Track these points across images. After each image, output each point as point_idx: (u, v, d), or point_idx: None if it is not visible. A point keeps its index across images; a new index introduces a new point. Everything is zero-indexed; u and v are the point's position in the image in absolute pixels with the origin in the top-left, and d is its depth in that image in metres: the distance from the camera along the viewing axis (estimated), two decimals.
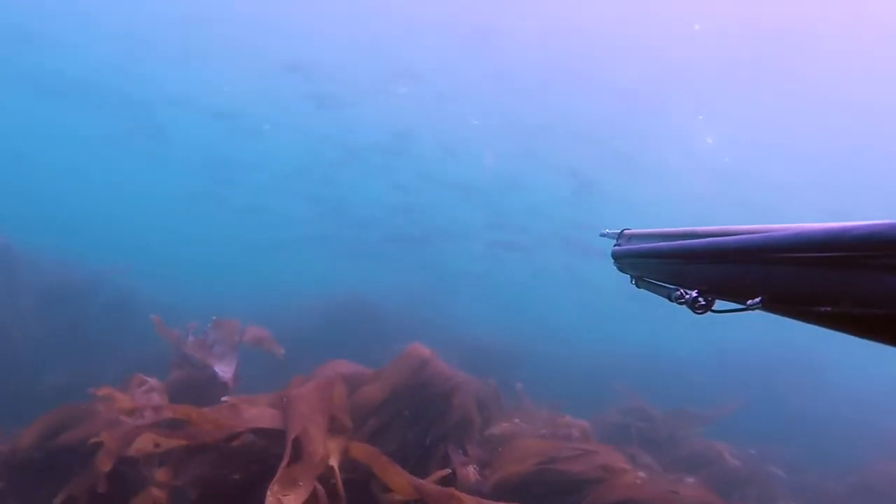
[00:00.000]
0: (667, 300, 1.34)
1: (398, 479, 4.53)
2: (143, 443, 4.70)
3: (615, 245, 1.87)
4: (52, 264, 16.01)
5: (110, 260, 18.47)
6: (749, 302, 0.99)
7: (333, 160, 32.62)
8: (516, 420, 7.21)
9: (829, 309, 0.82)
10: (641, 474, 5.62)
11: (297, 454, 4.44)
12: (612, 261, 1.83)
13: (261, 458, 4.88)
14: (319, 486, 4.26)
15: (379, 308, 19.24)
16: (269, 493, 3.96)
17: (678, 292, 1.24)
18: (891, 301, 0.71)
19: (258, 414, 4.95)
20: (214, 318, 7.46)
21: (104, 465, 4.80)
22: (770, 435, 16.57)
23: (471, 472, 5.87)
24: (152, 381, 5.92)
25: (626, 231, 1.90)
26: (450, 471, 5.44)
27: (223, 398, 6.26)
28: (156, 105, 32.19)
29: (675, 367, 23.87)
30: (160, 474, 4.68)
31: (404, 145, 30.31)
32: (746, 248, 1.02)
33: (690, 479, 7.53)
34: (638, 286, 1.70)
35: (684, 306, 1.22)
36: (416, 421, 6.07)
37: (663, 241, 1.50)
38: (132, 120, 33.45)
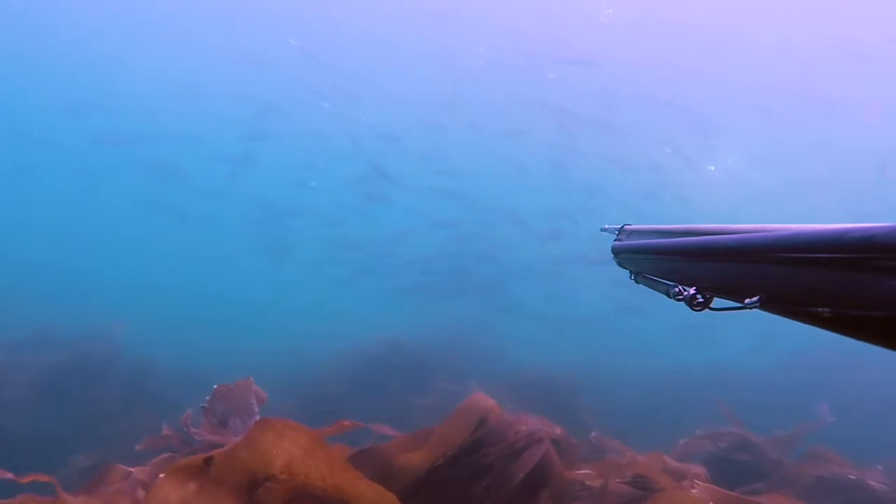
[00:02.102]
0: (665, 296, 1.35)
1: None
2: None
3: (615, 240, 1.88)
4: (64, 339, 15.08)
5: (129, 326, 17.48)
6: (747, 301, 0.98)
7: (369, 195, 31.87)
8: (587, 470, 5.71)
9: (826, 310, 0.82)
10: None
11: None
12: (612, 256, 1.85)
13: None
14: None
15: (420, 350, 17.86)
16: None
17: (676, 289, 1.25)
18: (889, 304, 0.70)
19: None
20: (215, 386, 5.96)
21: None
22: (872, 445, 14.81)
23: None
24: (137, 470, 4.61)
25: (626, 226, 1.90)
26: None
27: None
28: (180, 157, 32.13)
29: (738, 380, 22.02)
30: None
31: (448, 180, 29.70)
32: (746, 247, 1.02)
33: None
34: (637, 282, 1.73)
35: (682, 303, 1.23)
36: (471, 484, 4.69)
37: (663, 238, 1.49)
38: (157, 180, 33.44)
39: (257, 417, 5.76)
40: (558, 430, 5.58)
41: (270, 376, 15.27)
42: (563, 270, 31.60)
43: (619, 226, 1.94)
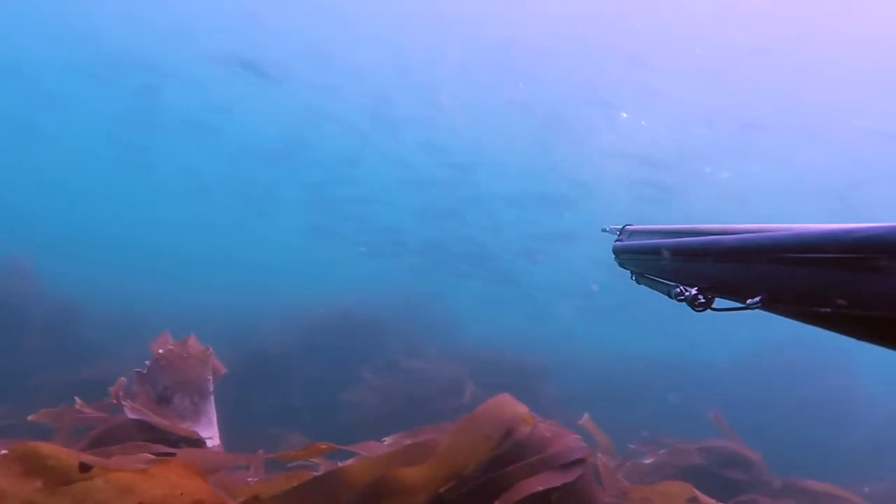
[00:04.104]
0: (666, 297, 1.35)
1: None
2: None
3: (616, 241, 1.86)
4: None
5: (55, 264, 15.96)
6: (749, 301, 0.99)
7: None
8: None
9: (828, 310, 0.82)
10: None
11: None
12: (613, 256, 1.83)
13: None
14: None
15: (375, 319, 16.75)
16: None
17: (678, 289, 1.25)
18: (890, 303, 0.71)
19: None
20: (161, 350, 4.60)
21: None
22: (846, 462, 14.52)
23: None
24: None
25: (627, 227, 1.89)
26: None
27: None
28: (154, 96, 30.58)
29: (695, 374, 21.70)
30: None
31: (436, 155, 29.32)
32: (747, 247, 1.02)
33: None
34: (638, 282, 1.71)
35: (684, 303, 1.22)
36: None
37: (664, 238, 1.48)
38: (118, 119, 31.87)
39: (211, 398, 4.59)
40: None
41: (211, 328, 14.08)
42: (539, 248, 31.08)
43: (621, 226, 1.92)
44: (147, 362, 4.77)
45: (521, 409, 3.81)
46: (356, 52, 28.85)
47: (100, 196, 40.53)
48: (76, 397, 4.78)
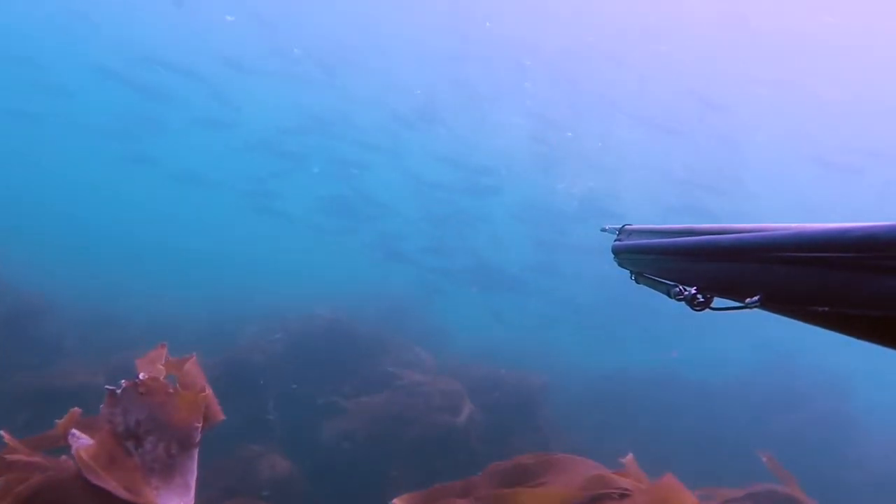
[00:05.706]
0: (666, 296, 1.33)
1: None
2: None
3: (615, 240, 1.85)
4: None
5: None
6: (747, 300, 0.98)
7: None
8: None
9: (826, 309, 0.81)
10: None
11: None
12: (612, 256, 1.81)
13: None
14: None
15: (369, 326, 15.61)
16: None
17: (677, 289, 1.23)
18: (888, 302, 0.70)
19: None
20: (142, 376, 3.22)
21: None
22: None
23: None
24: None
25: (626, 226, 1.87)
26: None
27: None
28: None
29: (687, 392, 20.78)
30: None
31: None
32: (746, 246, 1.02)
33: None
34: (637, 282, 1.69)
35: (682, 303, 1.21)
36: None
37: (664, 238, 1.48)
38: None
39: (195, 453, 3.32)
40: None
41: (192, 329, 12.86)
42: (543, 261, 30.65)
43: (620, 226, 1.90)
44: (123, 382, 3.47)
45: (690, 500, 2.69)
46: (367, 56, 28.73)
47: (92, 190, 39.47)
48: (2, 433, 3.55)
